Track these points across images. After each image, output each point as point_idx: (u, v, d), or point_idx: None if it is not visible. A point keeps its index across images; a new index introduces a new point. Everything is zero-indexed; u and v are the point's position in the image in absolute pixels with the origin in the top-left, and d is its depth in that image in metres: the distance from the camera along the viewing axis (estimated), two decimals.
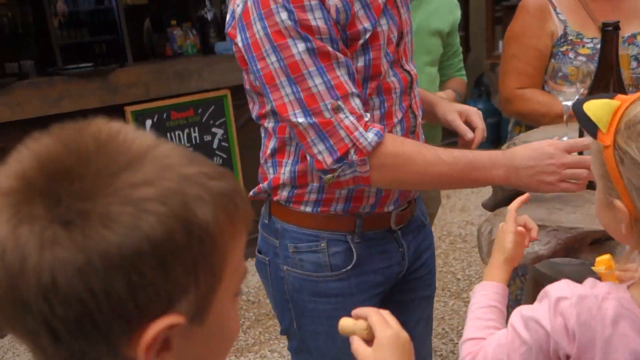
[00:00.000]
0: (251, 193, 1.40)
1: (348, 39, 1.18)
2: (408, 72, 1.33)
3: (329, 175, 1.17)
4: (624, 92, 1.16)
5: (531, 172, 1.23)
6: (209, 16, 3.96)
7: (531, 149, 1.25)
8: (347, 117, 1.14)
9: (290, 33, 1.11)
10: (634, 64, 1.90)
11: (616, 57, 1.12)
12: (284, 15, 1.10)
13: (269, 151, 1.33)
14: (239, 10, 1.17)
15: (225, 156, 3.77)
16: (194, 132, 3.62)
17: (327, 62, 1.13)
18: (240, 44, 1.18)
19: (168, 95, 3.47)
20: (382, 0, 1.23)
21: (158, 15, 5.33)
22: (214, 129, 3.70)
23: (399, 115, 1.31)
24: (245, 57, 1.19)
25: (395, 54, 1.29)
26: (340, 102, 1.13)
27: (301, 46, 1.11)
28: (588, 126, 0.83)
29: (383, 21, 1.22)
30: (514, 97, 2.01)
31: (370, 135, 1.15)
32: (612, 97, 0.85)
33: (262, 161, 1.38)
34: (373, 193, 1.31)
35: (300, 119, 1.14)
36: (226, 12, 3.88)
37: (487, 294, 1.03)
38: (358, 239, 1.33)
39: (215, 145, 3.72)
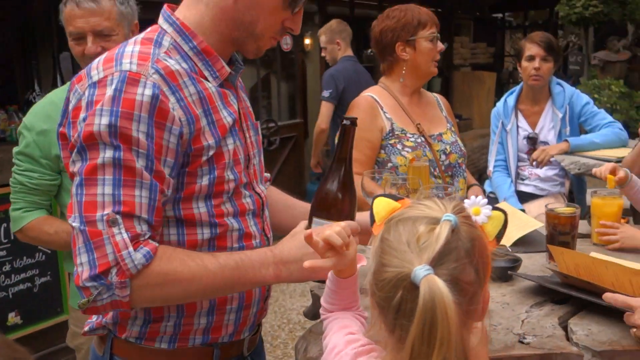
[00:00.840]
0: (86, 329, 1.29)
1: (192, 154, 1.16)
2: (259, 194, 1.33)
3: (84, 300, 1.07)
4: (351, 185, 1.23)
5: (300, 264, 1.15)
6: (38, 100, 3.76)
7: (294, 239, 1.20)
8: (120, 233, 1.06)
9: (103, 138, 1.07)
10: (443, 156, 2.23)
11: (350, 150, 1.19)
12: (104, 119, 1.07)
13: None
14: (70, 106, 1.15)
15: (49, 252, 3.49)
16: None
17: (129, 178, 1.08)
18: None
19: None
20: (229, 121, 1.23)
21: None
22: None
23: (257, 237, 1.30)
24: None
25: (247, 175, 1.28)
26: (119, 217, 1.06)
27: (109, 153, 1.07)
28: (371, 217, 0.99)
29: (229, 141, 1.22)
30: None
31: (139, 256, 1.07)
32: (397, 200, 1.00)
33: None
34: (232, 321, 1.27)
35: (75, 223, 1.07)
36: None
37: None
38: None
39: None
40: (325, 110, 4.34)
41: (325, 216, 1.22)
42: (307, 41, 7.34)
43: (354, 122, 1.24)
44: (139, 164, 1.09)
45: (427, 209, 0.89)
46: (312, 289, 1.60)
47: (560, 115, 3.09)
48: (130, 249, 1.07)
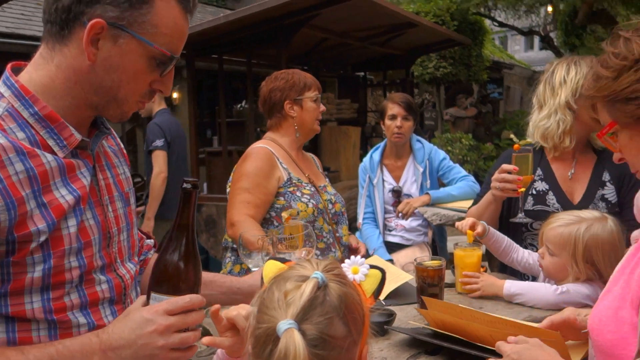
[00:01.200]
0: None
1: (17, 242, 1.01)
2: (121, 276, 1.19)
3: None
4: (196, 255, 1.11)
5: (134, 348, 1.01)
6: None
7: (128, 319, 1.05)
8: None
9: None
10: (330, 205, 2.40)
11: (193, 216, 1.09)
12: None
13: None
14: None
15: None
16: None
17: None
18: None
19: None
20: (69, 199, 1.08)
21: None
22: None
23: None
24: None
25: (106, 257, 1.15)
26: None
27: None
28: (262, 280, 1.04)
29: (71, 222, 1.07)
30: (239, 222, 2.23)
31: None
32: (284, 262, 1.05)
33: None
34: None
35: None
36: None
37: None
38: None
39: None
40: (162, 158, 4.34)
41: (169, 291, 1.06)
42: (174, 95, 7.27)
43: (195, 185, 1.10)
44: None
45: (301, 268, 0.94)
46: None
47: (421, 169, 3.33)
48: None
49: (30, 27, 6.24)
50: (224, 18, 5.68)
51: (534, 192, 2.09)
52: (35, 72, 1.11)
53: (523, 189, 1.97)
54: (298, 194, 2.32)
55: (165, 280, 1.07)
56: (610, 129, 1.13)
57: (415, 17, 7.12)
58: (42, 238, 1.03)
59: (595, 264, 1.65)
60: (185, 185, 1.10)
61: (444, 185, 3.46)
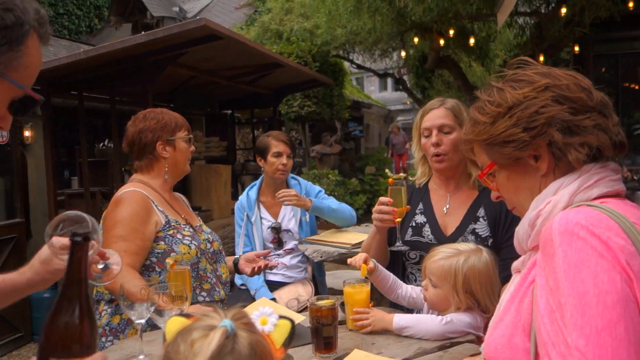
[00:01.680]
0: None
1: None
2: None
3: None
4: (91, 311, 1.05)
5: None
6: None
7: None
8: None
9: None
10: (208, 245, 2.37)
11: (85, 270, 1.04)
12: None
13: None
14: None
15: None
16: None
17: None
18: None
19: None
20: None
21: None
22: None
23: None
24: None
25: None
26: None
27: None
28: (164, 338, 0.97)
29: None
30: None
31: None
32: (189, 317, 0.98)
33: None
34: None
35: None
36: None
37: None
38: None
39: None
40: None
41: (66, 354, 0.98)
42: (27, 133, 6.72)
43: (86, 237, 1.05)
44: None
45: (208, 318, 0.91)
46: None
47: None
48: None
49: None
50: (84, 53, 5.40)
51: (414, 224, 2.24)
52: None
53: (399, 219, 2.10)
54: (179, 236, 2.25)
55: (65, 343, 0.99)
56: (490, 170, 1.24)
57: (282, 58, 7.32)
58: None
59: (473, 294, 1.78)
60: (75, 238, 1.04)
61: (320, 220, 3.53)
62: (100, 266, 1.58)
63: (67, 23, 15.29)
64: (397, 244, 2.15)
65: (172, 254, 2.20)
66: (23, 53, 1.06)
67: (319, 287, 3.41)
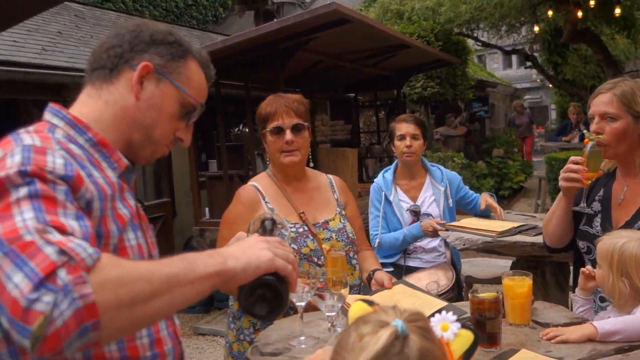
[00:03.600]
0: None
1: (102, 237, 1.09)
2: None
3: (36, 325, 0.80)
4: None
5: (244, 247, 1.14)
6: None
7: (239, 242, 1.20)
8: (56, 235, 0.89)
9: (12, 180, 0.94)
10: (327, 246, 2.20)
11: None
12: (13, 168, 0.96)
13: None
14: None
15: None
16: None
17: (50, 207, 0.93)
18: None
19: None
20: (126, 213, 1.18)
21: None
22: None
23: (168, 342, 1.24)
24: None
25: None
26: (48, 227, 0.89)
27: (22, 191, 0.93)
28: (347, 322, 1.02)
29: (131, 235, 1.18)
30: None
31: (90, 248, 0.89)
32: (372, 305, 1.03)
33: None
34: None
35: None
36: None
37: None
38: None
39: None
40: None
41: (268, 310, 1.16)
42: None
43: (274, 220, 1.28)
44: (59, 195, 0.96)
45: (383, 313, 0.90)
46: None
47: (442, 189, 3.31)
48: (79, 240, 0.89)
49: (23, 54, 6.15)
50: (221, 43, 5.67)
51: (591, 210, 2.07)
52: (84, 108, 1.24)
53: (589, 181, 1.97)
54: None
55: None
56: None
57: (408, 38, 7.20)
58: (114, 241, 1.11)
59: (630, 277, 1.70)
60: (267, 222, 1.31)
61: (460, 208, 3.45)
62: None
63: (195, 13, 16.13)
64: (582, 204, 2.02)
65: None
66: (185, 67, 1.28)
67: (458, 275, 3.33)
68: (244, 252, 1.11)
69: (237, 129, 6.63)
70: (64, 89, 5.86)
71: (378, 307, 1.03)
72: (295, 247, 2.14)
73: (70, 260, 0.85)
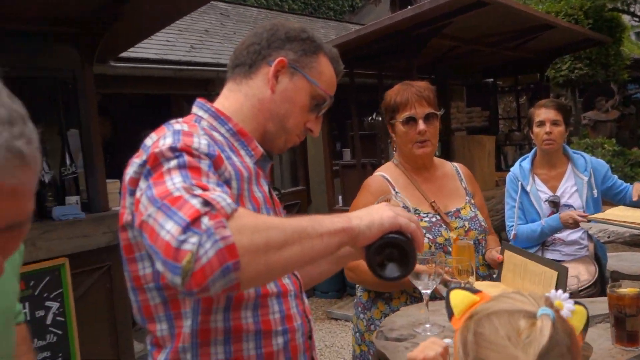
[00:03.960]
0: None
1: None
2: (296, 276, 1.37)
3: (185, 261, 0.90)
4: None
5: (374, 216, 1.15)
6: (47, 178, 3.71)
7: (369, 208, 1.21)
8: (200, 191, 1.00)
9: (165, 154, 1.09)
10: (453, 235, 2.14)
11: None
12: (166, 144, 1.10)
13: None
14: (127, 177, 1.17)
15: (60, 332, 3.36)
16: (24, 308, 3.21)
17: (196, 175, 1.05)
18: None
19: None
20: (259, 196, 1.28)
21: None
22: (47, 303, 3.32)
23: (298, 319, 1.31)
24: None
25: None
26: (194, 186, 1.01)
27: (173, 162, 1.07)
28: (448, 310, 1.00)
29: None
30: (353, 266, 2.12)
31: (229, 199, 1.00)
32: (475, 292, 1.01)
33: None
34: None
35: (149, 210, 1.00)
36: (65, 176, 3.61)
37: None
38: None
39: (49, 321, 3.32)
40: None
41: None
42: None
43: None
44: (203, 166, 1.09)
45: (519, 302, 0.88)
46: None
47: (585, 178, 3.10)
48: (219, 193, 1.00)
49: (174, 53, 6.70)
50: (355, 33, 5.74)
51: None
52: (226, 101, 1.38)
53: None
54: None
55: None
56: None
57: (551, 18, 6.76)
58: None
59: None
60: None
61: (607, 200, 3.20)
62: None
63: (332, 4, 16.42)
64: None
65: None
66: (316, 62, 1.38)
67: (602, 270, 3.10)
68: (368, 213, 1.15)
69: (370, 118, 6.68)
70: (209, 84, 6.29)
71: (484, 294, 1.02)
72: (430, 236, 2.11)
73: (212, 210, 0.95)
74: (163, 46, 6.71)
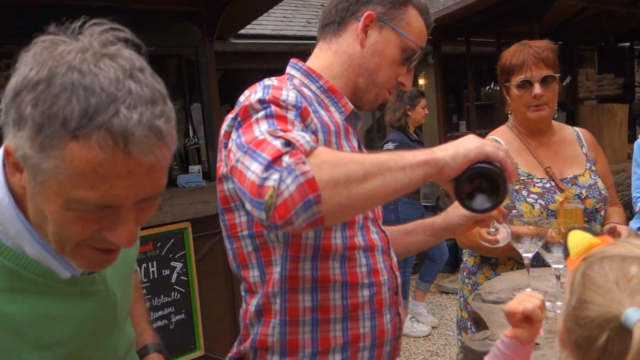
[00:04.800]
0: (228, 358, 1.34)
1: None
2: (384, 232, 1.39)
3: (267, 196, 0.95)
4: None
5: (456, 143, 1.12)
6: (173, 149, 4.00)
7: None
8: (282, 132, 1.05)
9: (254, 106, 1.14)
10: (578, 201, 2.03)
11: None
12: (255, 98, 1.14)
13: (252, 309, 1.27)
14: (222, 132, 1.24)
15: (183, 290, 3.66)
16: (152, 266, 3.52)
17: (282, 123, 1.09)
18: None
19: None
20: (349, 150, 1.31)
21: None
22: (172, 263, 3.62)
23: (385, 274, 1.33)
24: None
25: (372, 212, 1.35)
26: (278, 130, 1.05)
27: (261, 113, 1.11)
28: (565, 251, 0.96)
29: None
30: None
31: (309, 137, 1.03)
32: (597, 235, 0.95)
33: (243, 323, 1.32)
34: (366, 358, 1.28)
35: (237, 155, 1.05)
36: (188, 147, 3.85)
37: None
38: None
39: (173, 280, 3.62)
40: None
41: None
42: (421, 82, 7.32)
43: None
44: (290, 116, 1.12)
45: (637, 249, 0.82)
46: (463, 341, 1.51)
47: None
48: (299, 132, 1.04)
49: (290, 28, 6.86)
50: None
51: None
52: (316, 60, 1.41)
53: None
54: (524, 192, 2.04)
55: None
56: None
57: None
58: None
59: None
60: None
61: None
62: (491, 230, 1.63)
63: None
64: None
65: (512, 211, 2.01)
66: (405, 14, 1.37)
67: None
68: (453, 144, 1.11)
69: (487, 88, 6.42)
70: None
71: (606, 237, 0.96)
72: (542, 202, 2.02)
73: (293, 149, 0.98)
74: (280, 22, 6.90)
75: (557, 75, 2.09)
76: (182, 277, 3.66)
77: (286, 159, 0.96)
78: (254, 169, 0.98)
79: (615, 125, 5.99)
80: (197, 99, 4.43)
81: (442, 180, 1.11)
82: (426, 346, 4.14)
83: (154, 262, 3.53)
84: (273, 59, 6.18)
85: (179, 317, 3.63)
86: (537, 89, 2.04)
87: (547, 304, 1.59)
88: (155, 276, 3.53)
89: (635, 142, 3.10)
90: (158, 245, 3.54)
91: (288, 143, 1.00)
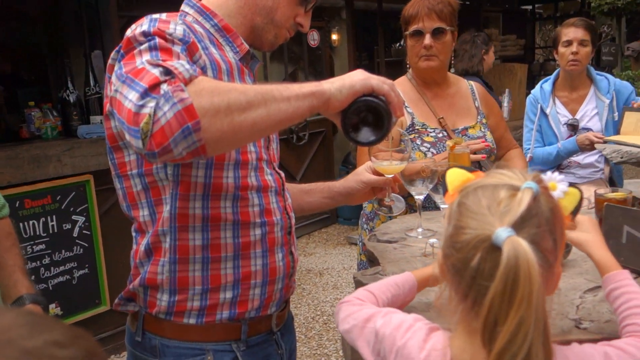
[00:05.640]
0: (117, 301, 1.33)
1: None
2: (279, 173, 1.38)
3: (143, 123, 0.93)
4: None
5: (343, 78, 1.13)
6: (72, 98, 3.81)
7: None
8: (162, 61, 1.03)
9: (137, 39, 1.10)
10: (450, 143, 2.08)
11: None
12: (139, 30, 1.11)
13: (142, 248, 1.26)
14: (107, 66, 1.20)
15: (86, 245, 3.55)
16: (52, 220, 3.38)
17: (166, 55, 1.06)
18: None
19: (22, 182, 3.24)
20: None
21: (14, 94, 5.02)
22: (74, 217, 3.49)
23: (277, 214, 1.34)
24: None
25: (267, 154, 1.34)
26: (159, 60, 1.03)
27: (144, 45, 1.08)
28: (443, 187, 1.05)
29: None
30: None
31: (189, 66, 1.01)
32: (471, 171, 1.05)
33: (133, 262, 1.30)
34: (257, 296, 1.29)
35: (116, 86, 1.03)
36: (89, 96, 3.67)
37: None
38: (243, 346, 1.30)
39: (75, 234, 3.50)
40: None
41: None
42: (334, 37, 7.32)
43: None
44: (175, 49, 1.09)
45: (507, 177, 0.90)
46: (355, 276, 1.58)
47: (607, 101, 3.01)
48: (181, 61, 1.02)
49: None
50: None
51: None
52: None
53: None
54: (418, 141, 2.14)
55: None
56: None
57: None
58: None
59: None
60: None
61: None
62: (387, 200, 1.69)
63: None
64: None
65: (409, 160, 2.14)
66: None
67: None
68: (340, 77, 1.12)
69: (398, 44, 6.54)
70: None
71: (479, 172, 1.04)
72: (434, 151, 2.12)
73: (172, 77, 0.97)
74: None
75: (450, 28, 2.17)
76: (85, 232, 3.54)
77: (164, 87, 0.95)
78: (131, 98, 0.96)
79: (515, 84, 6.31)
80: (99, 46, 4.22)
81: (328, 112, 1.13)
82: (334, 294, 4.28)
83: (53, 216, 3.38)
84: (179, 4, 5.94)
85: (82, 272, 3.53)
86: (427, 39, 2.12)
87: (433, 240, 1.69)
88: (55, 230, 3.40)
89: (527, 98, 3.28)
90: (57, 198, 3.40)
91: (167, 71, 0.98)
